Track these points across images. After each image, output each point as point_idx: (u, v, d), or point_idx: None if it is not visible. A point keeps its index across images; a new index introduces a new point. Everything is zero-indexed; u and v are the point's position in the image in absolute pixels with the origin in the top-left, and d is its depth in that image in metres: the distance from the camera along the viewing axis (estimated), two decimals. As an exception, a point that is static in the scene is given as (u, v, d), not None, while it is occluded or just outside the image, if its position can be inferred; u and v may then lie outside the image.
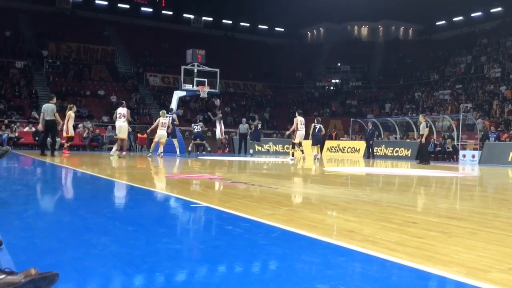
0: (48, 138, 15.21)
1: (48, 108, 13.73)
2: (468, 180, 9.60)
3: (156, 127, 16.41)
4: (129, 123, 16.62)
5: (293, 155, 17.32)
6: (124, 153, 15.40)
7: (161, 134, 16.31)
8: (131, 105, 30.61)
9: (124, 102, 16.66)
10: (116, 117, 15.56)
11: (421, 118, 16.66)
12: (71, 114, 15.22)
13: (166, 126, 16.51)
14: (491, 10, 40.93)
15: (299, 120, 16.32)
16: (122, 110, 15.56)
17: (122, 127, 15.33)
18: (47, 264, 2.13)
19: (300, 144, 16.61)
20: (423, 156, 16.80)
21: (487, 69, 31.58)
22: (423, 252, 2.51)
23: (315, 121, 17.95)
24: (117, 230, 3.02)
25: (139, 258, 2.27)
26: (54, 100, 14.10)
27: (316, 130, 17.39)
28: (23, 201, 4.44)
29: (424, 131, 16.03)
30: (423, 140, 16.24)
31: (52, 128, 13.91)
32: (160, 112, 17.28)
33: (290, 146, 18.36)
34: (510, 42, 32.70)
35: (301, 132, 16.31)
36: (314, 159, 17.07)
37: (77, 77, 31.93)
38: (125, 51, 38.09)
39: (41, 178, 7.97)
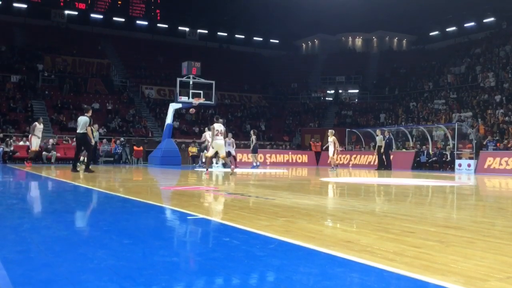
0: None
1: (81, 121, 12.63)
2: (464, 189, 9.61)
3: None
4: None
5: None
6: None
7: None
8: (128, 117, 30.62)
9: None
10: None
11: (378, 131, 20.97)
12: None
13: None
14: (484, 20, 41.39)
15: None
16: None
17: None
18: (43, 278, 2.12)
19: None
20: (381, 163, 20.35)
21: (481, 78, 31.79)
22: (421, 261, 2.51)
23: (252, 132, 20.68)
24: (114, 243, 3.01)
25: (136, 271, 2.26)
26: (90, 112, 12.82)
27: (255, 142, 20.12)
28: (18, 215, 4.41)
29: (382, 143, 20.05)
30: (382, 150, 20.09)
31: (82, 141, 12.80)
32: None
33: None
34: (503, 51, 32.97)
35: None
36: (254, 167, 19.01)
37: (73, 90, 31.90)
38: (121, 64, 38.16)
39: (36, 191, 7.92)
